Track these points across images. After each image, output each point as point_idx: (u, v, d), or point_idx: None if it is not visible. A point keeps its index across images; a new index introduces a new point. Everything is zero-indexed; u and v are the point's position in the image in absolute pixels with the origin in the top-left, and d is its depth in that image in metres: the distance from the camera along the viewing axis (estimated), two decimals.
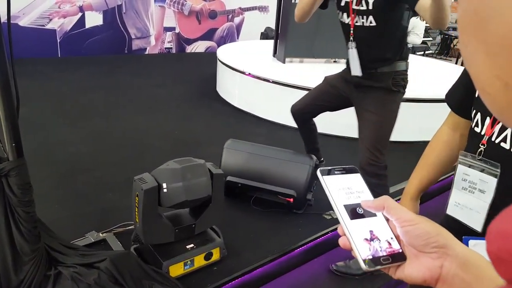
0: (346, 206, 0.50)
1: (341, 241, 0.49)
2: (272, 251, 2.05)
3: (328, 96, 2.20)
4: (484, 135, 0.94)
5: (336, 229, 1.83)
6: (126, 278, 1.64)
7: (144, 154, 3.09)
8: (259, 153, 2.36)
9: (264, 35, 6.97)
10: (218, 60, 4.59)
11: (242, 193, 2.40)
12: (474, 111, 0.99)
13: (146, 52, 6.82)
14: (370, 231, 0.49)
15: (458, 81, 1.10)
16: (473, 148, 0.96)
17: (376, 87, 2.00)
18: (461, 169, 1.01)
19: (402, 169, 2.91)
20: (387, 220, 0.50)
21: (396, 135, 3.65)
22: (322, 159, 2.88)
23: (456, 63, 7.46)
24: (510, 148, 0.88)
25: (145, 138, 3.42)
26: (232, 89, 4.35)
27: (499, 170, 0.92)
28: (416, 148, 3.78)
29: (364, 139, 2.02)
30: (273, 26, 5.05)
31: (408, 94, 3.64)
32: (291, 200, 2.29)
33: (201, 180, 1.78)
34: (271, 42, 4.86)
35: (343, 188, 0.52)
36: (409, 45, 7.36)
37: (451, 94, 1.13)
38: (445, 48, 8.62)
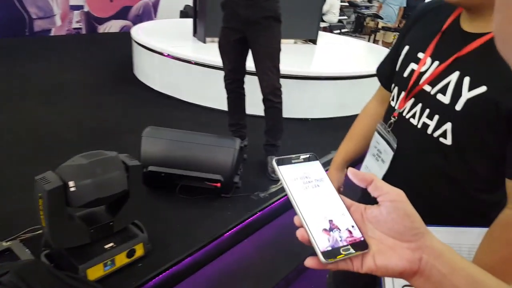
0: (303, 196, 0.47)
1: (298, 233, 0.45)
2: (201, 239, 1.99)
3: (235, 50, 2.52)
4: (396, 108, 0.95)
5: (266, 207, 1.81)
6: None
7: (51, 149, 2.77)
8: (181, 140, 2.24)
9: (184, 14, 6.66)
10: (133, 41, 4.28)
11: (167, 182, 2.28)
12: (393, 85, 1.01)
13: (51, 34, 6.15)
14: (330, 220, 0.46)
15: (387, 56, 1.10)
16: (387, 120, 0.99)
17: (264, 17, 2.34)
18: (375, 136, 1.04)
19: (324, 143, 3.02)
20: (349, 208, 0.48)
21: (317, 112, 3.79)
22: (246, 140, 2.87)
23: (368, 40, 7.88)
24: (417, 125, 0.90)
25: (51, 131, 3.06)
26: (151, 72, 4.10)
27: (395, 145, 0.94)
28: (336, 124, 3.96)
29: (263, 68, 2.42)
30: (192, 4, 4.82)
31: (328, 71, 3.81)
32: (218, 185, 2.23)
33: (114, 174, 1.63)
34: (191, 21, 4.64)
35: (301, 178, 0.49)
36: (327, 24, 7.59)
37: (380, 68, 1.14)
38: (359, 26, 9.05)
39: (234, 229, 2.07)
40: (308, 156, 0.52)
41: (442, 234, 0.92)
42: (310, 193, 0.48)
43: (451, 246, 0.97)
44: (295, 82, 3.61)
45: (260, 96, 2.52)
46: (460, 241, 0.89)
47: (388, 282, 1.00)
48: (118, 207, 1.77)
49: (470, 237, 0.88)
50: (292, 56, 4.25)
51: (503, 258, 0.80)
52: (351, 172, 0.49)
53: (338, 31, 7.61)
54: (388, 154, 0.98)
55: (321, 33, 5.26)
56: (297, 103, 3.70)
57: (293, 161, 0.50)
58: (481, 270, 0.45)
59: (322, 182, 0.50)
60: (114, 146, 2.07)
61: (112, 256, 1.75)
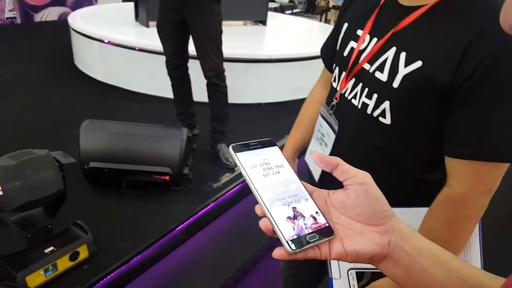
0: (264, 184, 0.45)
1: (261, 224, 0.43)
2: (150, 236, 1.90)
3: (175, 34, 2.38)
4: (338, 89, 0.92)
5: (219, 197, 1.74)
6: None
7: None
8: (123, 132, 2.11)
9: None
10: (71, 29, 4.00)
11: (112, 178, 2.15)
12: (334, 65, 0.97)
13: None
14: (293, 208, 0.44)
15: (330, 35, 1.06)
16: (330, 102, 0.95)
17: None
18: (319, 120, 1.01)
19: (279, 128, 2.99)
20: (311, 194, 0.47)
21: (270, 97, 3.76)
22: (197, 129, 2.78)
23: (320, 20, 7.92)
24: (357, 105, 0.87)
25: None
26: (92, 62, 3.85)
27: (337, 128, 0.91)
28: (290, 107, 3.95)
29: (206, 51, 2.32)
30: None
31: (279, 53, 3.76)
32: (167, 178, 2.14)
33: (46, 174, 1.50)
34: (133, 5, 4.39)
35: (260, 164, 0.47)
36: (277, 5, 7.53)
37: (324, 49, 1.09)
38: (311, 5, 9.07)
39: (186, 222, 2.00)
40: (265, 141, 0.50)
41: None
42: (271, 180, 0.46)
43: None
44: (245, 65, 3.54)
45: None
46: (406, 222, 0.88)
47: (334, 266, 0.99)
48: (56, 208, 1.66)
49: (411, 218, 0.87)
50: (242, 39, 4.16)
51: (442, 239, 0.79)
52: (316, 156, 0.46)
53: (290, 11, 7.58)
54: (330, 137, 0.95)
55: (272, 14, 5.20)
56: (248, 88, 3.64)
57: (250, 147, 0.48)
58: (446, 251, 0.46)
59: (283, 168, 0.48)
60: (54, 143, 1.92)
61: (54, 260, 1.64)
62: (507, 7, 0.33)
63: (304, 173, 1.14)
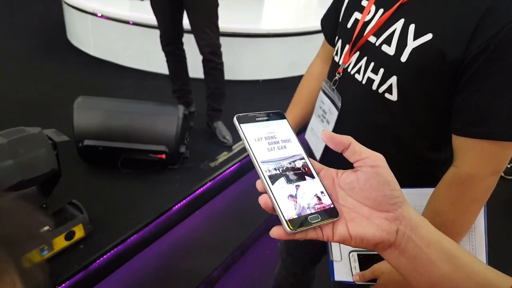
0: (268, 158, 0.43)
1: (261, 200, 0.41)
2: (147, 215, 1.88)
3: (168, 7, 2.26)
4: (341, 64, 0.87)
5: (216, 176, 1.70)
6: None
7: None
8: (118, 109, 2.06)
9: None
10: (63, 2, 3.86)
11: (108, 157, 2.11)
12: (337, 37, 0.91)
13: None
14: (297, 185, 0.42)
15: (331, 6, 0.99)
16: (332, 77, 0.90)
17: None
18: (320, 96, 0.96)
19: (276, 106, 2.94)
20: (318, 172, 0.45)
21: (268, 73, 3.68)
22: (193, 106, 2.73)
23: None
24: (362, 81, 0.82)
25: None
26: (85, 36, 3.73)
27: (340, 104, 0.86)
28: (289, 84, 3.87)
29: (201, 26, 2.23)
30: None
31: (278, 28, 3.66)
32: (163, 156, 2.10)
33: (39, 152, 1.46)
34: None
35: (265, 138, 0.44)
36: None
37: (325, 20, 1.03)
38: None
39: (183, 201, 1.98)
40: (274, 113, 0.47)
41: None
42: (276, 154, 0.44)
43: None
44: (242, 40, 3.44)
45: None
46: (411, 203, 0.86)
47: (335, 248, 0.97)
48: (50, 187, 1.63)
49: (417, 198, 0.84)
50: (239, 12, 4.04)
51: (448, 220, 0.76)
52: (325, 135, 0.44)
53: None
54: (333, 114, 0.90)
55: None
56: (246, 64, 3.55)
57: (257, 119, 0.46)
58: (456, 245, 0.43)
59: (290, 143, 0.45)
60: (47, 121, 1.86)
61: (49, 240, 1.62)
62: None
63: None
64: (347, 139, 0.43)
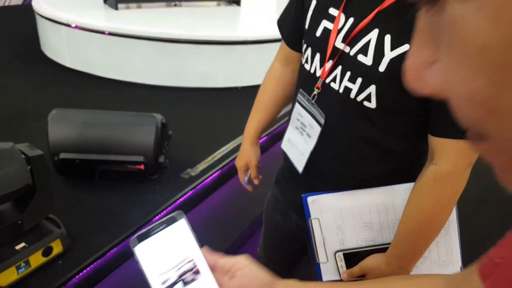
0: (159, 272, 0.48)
1: None
2: (127, 227, 1.86)
3: None
4: (319, 77, 0.87)
5: (197, 185, 1.69)
6: None
7: None
8: (94, 121, 2.03)
9: None
10: (35, 13, 3.79)
11: (84, 169, 2.07)
12: (305, 45, 0.91)
13: None
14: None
15: (288, 10, 0.99)
16: (308, 90, 0.90)
17: None
18: (297, 108, 0.96)
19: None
20: (213, 266, 0.54)
21: (247, 80, 3.69)
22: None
23: None
24: (338, 89, 0.83)
25: None
26: (59, 47, 3.68)
27: (323, 120, 0.87)
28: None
29: None
30: None
31: (255, 35, 3.68)
32: (142, 167, 2.08)
33: (12, 168, 1.43)
34: None
35: (165, 256, 0.50)
36: None
37: (282, 22, 1.02)
38: None
39: (164, 211, 1.96)
40: (170, 218, 0.51)
41: (375, 196, 0.91)
42: (169, 265, 0.50)
43: (386, 205, 0.98)
44: (220, 48, 3.45)
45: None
46: (392, 199, 0.89)
47: (320, 250, 0.98)
48: (25, 203, 1.58)
49: (400, 195, 0.89)
50: (216, 21, 4.06)
51: (433, 214, 0.82)
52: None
53: None
54: (314, 129, 0.90)
55: None
56: (225, 71, 3.56)
57: (154, 231, 0.50)
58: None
59: (184, 246, 0.52)
60: (20, 135, 1.82)
61: (25, 257, 1.58)
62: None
63: (279, 159, 1.12)
64: (213, 261, 0.54)
